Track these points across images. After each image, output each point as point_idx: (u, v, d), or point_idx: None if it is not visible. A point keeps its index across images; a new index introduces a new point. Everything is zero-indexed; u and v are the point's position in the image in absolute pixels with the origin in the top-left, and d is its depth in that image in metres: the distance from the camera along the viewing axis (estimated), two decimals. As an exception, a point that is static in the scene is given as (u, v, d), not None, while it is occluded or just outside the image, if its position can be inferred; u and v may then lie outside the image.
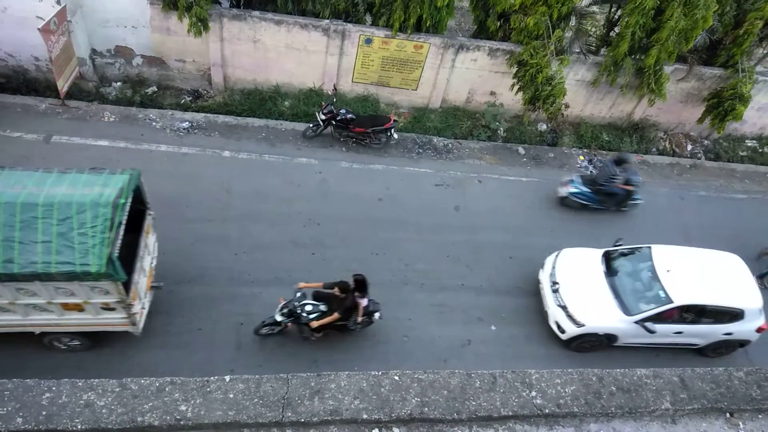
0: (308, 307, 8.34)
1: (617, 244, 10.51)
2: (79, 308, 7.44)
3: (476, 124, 14.13)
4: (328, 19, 12.35)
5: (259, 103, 13.17)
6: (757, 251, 12.10)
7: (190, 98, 13.28)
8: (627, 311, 9.35)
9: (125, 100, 12.78)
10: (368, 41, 12.64)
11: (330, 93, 12.96)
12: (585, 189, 12.04)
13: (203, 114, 12.81)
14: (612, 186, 11.87)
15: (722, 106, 13.59)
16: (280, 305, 8.50)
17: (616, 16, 13.63)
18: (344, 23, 12.37)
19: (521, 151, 13.89)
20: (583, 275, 9.90)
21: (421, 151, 13.23)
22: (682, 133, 15.46)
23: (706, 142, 15.56)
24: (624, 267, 10.03)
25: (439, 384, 4.69)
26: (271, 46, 12.58)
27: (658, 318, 9.24)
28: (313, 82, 13.43)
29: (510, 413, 4.59)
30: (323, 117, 12.21)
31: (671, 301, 9.19)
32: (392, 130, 12.57)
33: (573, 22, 13.39)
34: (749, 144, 15.71)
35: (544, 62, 12.21)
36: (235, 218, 10.64)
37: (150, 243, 8.52)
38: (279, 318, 8.42)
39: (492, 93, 13.98)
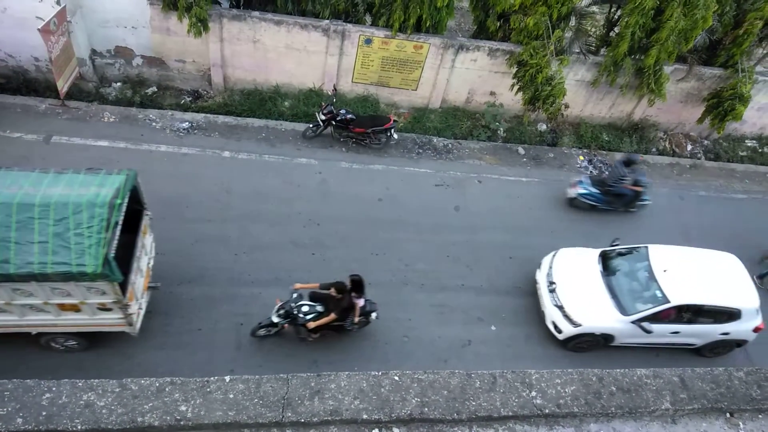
0: (305, 308, 8.34)
1: (614, 243, 10.51)
2: (75, 309, 7.43)
3: (476, 125, 14.14)
4: (327, 19, 12.35)
5: (259, 103, 13.17)
6: (759, 256, 12.05)
7: (190, 98, 13.29)
8: (624, 311, 9.35)
9: (125, 101, 12.79)
10: (368, 41, 12.64)
11: (330, 93, 12.97)
12: (594, 190, 12.07)
13: (203, 114, 12.81)
14: (621, 187, 11.92)
15: (722, 106, 13.60)
16: (277, 306, 8.49)
17: (616, 16, 13.63)
18: (344, 23, 12.38)
19: (521, 151, 13.90)
20: (579, 275, 9.91)
21: (421, 151, 13.23)
22: (681, 133, 15.47)
23: (705, 142, 15.57)
24: (621, 267, 10.03)
25: (439, 384, 4.69)
26: (271, 47, 12.59)
27: (655, 318, 9.24)
28: (313, 83, 13.43)
29: (510, 413, 4.59)
30: (323, 117, 12.22)
31: (668, 301, 9.20)
32: (392, 131, 12.57)
33: (573, 22, 13.40)
34: (749, 144, 15.71)
35: (544, 62, 12.22)
36: (235, 218, 10.65)
37: (147, 243, 8.51)
38: (275, 319, 8.40)
39: (492, 93, 13.98)
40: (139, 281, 8.01)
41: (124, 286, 7.38)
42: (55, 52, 10.97)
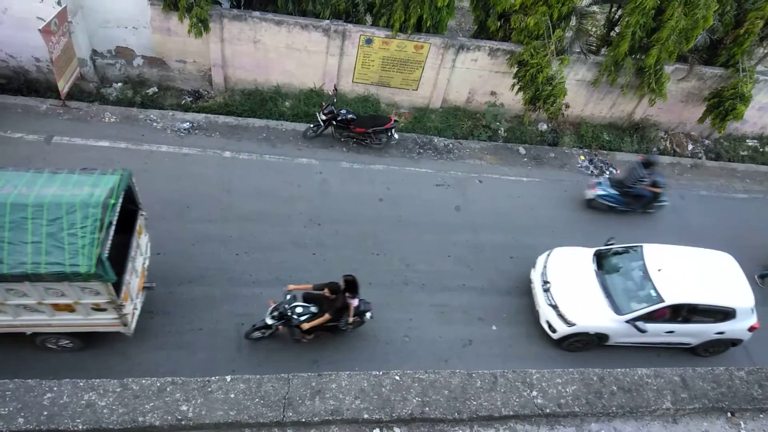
0: (299, 309, 8.32)
1: (609, 243, 10.50)
2: (70, 309, 7.42)
3: (477, 124, 14.14)
4: (328, 19, 12.36)
5: (260, 103, 13.18)
6: (766, 257, 12.01)
7: (191, 99, 13.30)
8: (618, 310, 9.35)
9: (126, 101, 12.80)
10: (368, 41, 12.65)
11: (330, 93, 12.97)
12: (612, 191, 12.10)
13: (204, 114, 12.82)
14: (639, 188, 11.94)
15: (723, 105, 13.59)
16: (271, 308, 8.45)
17: (617, 16, 13.63)
18: (344, 23, 12.38)
19: (522, 151, 13.90)
20: (574, 274, 9.90)
21: (421, 151, 13.23)
22: (682, 133, 15.46)
23: (706, 141, 15.56)
24: (615, 266, 10.03)
25: (440, 384, 4.69)
26: (271, 47, 12.59)
27: (650, 317, 9.24)
28: (313, 83, 13.43)
29: (511, 413, 4.59)
30: (324, 117, 12.22)
31: (662, 301, 9.19)
32: (393, 131, 12.57)
33: (573, 21, 13.40)
34: (750, 143, 15.70)
35: (545, 62, 12.21)
36: (235, 219, 10.65)
37: (142, 244, 8.49)
38: (269, 321, 8.37)
39: (492, 93, 13.98)
40: (134, 281, 7.99)
41: (118, 287, 7.37)
42: (56, 53, 10.98)
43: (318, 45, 12.58)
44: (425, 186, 12.34)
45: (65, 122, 11.87)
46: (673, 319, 9.38)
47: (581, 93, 14.07)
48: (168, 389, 4.32)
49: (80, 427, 4.05)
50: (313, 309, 8.40)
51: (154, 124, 12.33)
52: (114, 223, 7.05)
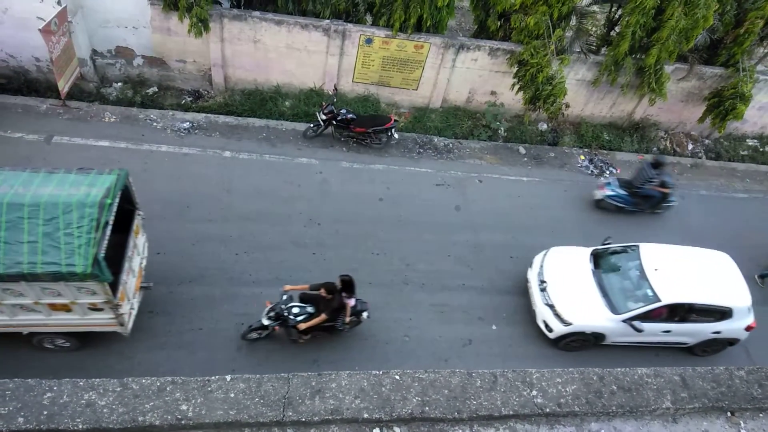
0: (295, 310, 8.30)
1: (606, 242, 10.50)
2: (66, 308, 7.41)
3: (477, 124, 14.14)
4: (328, 19, 12.36)
5: (260, 103, 13.18)
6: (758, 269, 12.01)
7: (191, 98, 13.30)
8: (614, 310, 9.34)
9: (126, 101, 12.80)
10: (369, 41, 12.65)
11: (330, 93, 12.97)
12: (621, 192, 12.11)
13: (204, 114, 12.82)
14: (648, 189, 11.95)
15: (723, 105, 13.58)
16: (267, 308, 8.44)
17: (617, 16, 13.63)
18: (345, 23, 12.38)
19: (522, 150, 13.89)
20: (570, 274, 9.89)
21: (421, 150, 13.23)
22: (682, 133, 15.46)
23: (706, 141, 15.56)
24: (612, 265, 10.02)
25: (439, 383, 4.70)
26: (271, 47, 12.59)
27: (646, 317, 9.23)
28: (313, 82, 13.44)
29: (511, 412, 4.59)
30: (324, 117, 12.22)
31: (659, 300, 9.18)
32: (393, 130, 12.57)
33: (573, 21, 13.39)
34: (750, 143, 15.70)
35: (545, 62, 12.21)
36: (235, 218, 10.65)
37: (139, 243, 8.48)
38: (266, 322, 8.36)
39: (492, 93, 13.98)
40: (130, 281, 7.97)
41: (115, 286, 7.35)
42: (56, 53, 10.98)
43: (318, 45, 12.58)
44: (425, 186, 12.34)
45: (65, 122, 11.87)
46: (669, 319, 9.38)
47: (581, 93, 14.07)
48: (168, 389, 4.33)
49: (80, 426, 4.06)
50: (310, 309, 8.38)
51: (154, 123, 12.34)
52: (110, 222, 7.04)
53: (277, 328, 8.46)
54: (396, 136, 12.77)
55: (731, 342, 9.94)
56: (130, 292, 8.00)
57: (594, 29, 15.24)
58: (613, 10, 13.86)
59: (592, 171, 13.70)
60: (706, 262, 9.87)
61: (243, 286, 9.59)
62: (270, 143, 12.50)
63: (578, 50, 13.27)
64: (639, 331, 9.19)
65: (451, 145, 13.54)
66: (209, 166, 11.63)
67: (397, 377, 4.68)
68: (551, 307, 9.55)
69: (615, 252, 10.21)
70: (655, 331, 9.46)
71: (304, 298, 8.60)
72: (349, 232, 10.87)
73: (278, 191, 11.40)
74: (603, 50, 14.03)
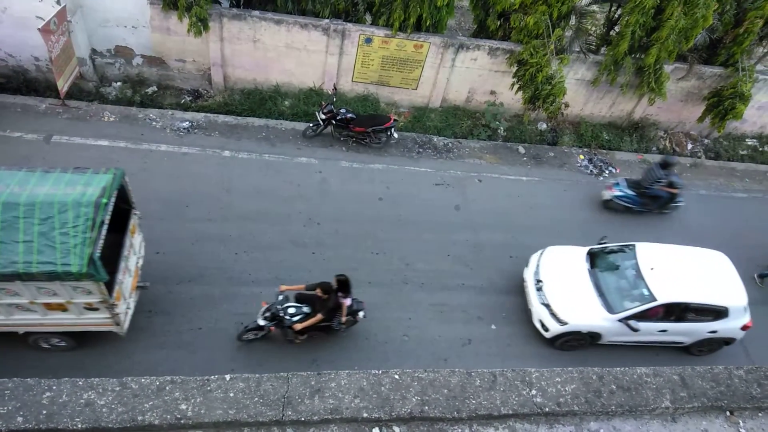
0: (291, 310, 8.29)
1: (602, 242, 10.50)
2: (62, 308, 7.40)
3: (476, 124, 14.14)
4: (328, 18, 12.35)
5: (259, 102, 13.18)
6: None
7: (190, 98, 13.29)
8: (610, 309, 9.34)
9: (125, 100, 12.79)
10: (368, 41, 12.64)
11: (330, 92, 12.96)
12: (630, 192, 12.13)
13: (203, 114, 12.81)
14: (657, 189, 11.96)
15: (722, 104, 13.59)
16: (263, 309, 8.43)
17: (616, 15, 13.63)
18: (344, 23, 12.38)
19: (521, 150, 13.90)
20: (567, 273, 9.89)
21: (421, 150, 13.23)
22: (682, 132, 15.47)
23: (706, 140, 15.56)
24: (608, 265, 10.03)
25: (439, 383, 4.70)
26: (271, 46, 12.59)
27: (642, 316, 9.23)
28: (313, 82, 13.43)
29: (510, 412, 4.59)
30: (323, 116, 12.22)
31: (654, 299, 9.19)
32: (392, 130, 12.57)
33: (573, 21, 13.39)
34: (749, 143, 15.71)
35: (544, 61, 12.21)
36: (235, 218, 10.65)
37: (136, 243, 8.47)
38: (262, 322, 8.35)
39: (492, 92, 13.98)
40: (126, 281, 7.96)
41: (110, 286, 7.34)
42: (55, 52, 10.98)
43: (317, 44, 12.58)
44: (425, 185, 12.33)
45: (64, 121, 11.86)
46: (665, 318, 9.38)
47: (581, 92, 14.07)
48: (167, 388, 4.33)
49: (79, 426, 4.05)
50: (306, 309, 8.38)
51: (154, 123, 12.33)
52: (106, 222, 7.03)
53: (273, 328, 8.46)
54: (395, 135, 12.76)
55: (727, 341, 9.95)
56: (127, 292, 7.98)
57: (593, 29, 15.24)
58: (612, 9, 13.86)
59: (591, 170, 13.70)
60: (702, 261, 9.88)
61: (242, 286, 9.59)
62: (269, 143, 12.49)
63: (578, 50, 13.27)
64: (635, 330, 9.20)
65: (450, 144, 13.54)
66: (208, 165, 11.63)
67: (397, 377, 4.68)
68: (547, 306, 9.56)
69: (611, 251, 10.21)
70: (651, 331, 9.47)
71: (300, 298, 8.59)
72: (349, 231, 10.87)
73: (278, 191, 11.40)
74: (602, 50, 14.04)
